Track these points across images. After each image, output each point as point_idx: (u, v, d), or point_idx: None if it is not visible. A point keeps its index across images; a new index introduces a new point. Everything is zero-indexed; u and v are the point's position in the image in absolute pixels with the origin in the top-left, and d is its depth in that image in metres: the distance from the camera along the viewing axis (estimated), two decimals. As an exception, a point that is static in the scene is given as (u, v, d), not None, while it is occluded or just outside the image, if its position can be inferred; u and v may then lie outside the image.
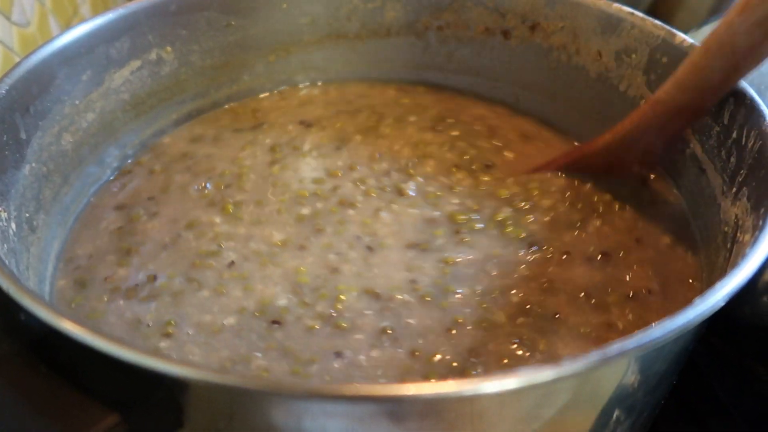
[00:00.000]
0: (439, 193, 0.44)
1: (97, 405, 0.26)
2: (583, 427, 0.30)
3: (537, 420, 0.28)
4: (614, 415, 0.31)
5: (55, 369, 0.27)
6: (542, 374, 0.24)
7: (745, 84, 0.38)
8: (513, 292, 0.37)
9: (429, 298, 0.37)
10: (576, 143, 0.48)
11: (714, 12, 0.64)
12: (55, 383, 0.26)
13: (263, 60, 0.51)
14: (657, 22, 0.44)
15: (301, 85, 0.53)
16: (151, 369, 0.24)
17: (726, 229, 0.36)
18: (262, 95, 0.52)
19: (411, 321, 0.36)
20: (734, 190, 0.37)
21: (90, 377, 0.26)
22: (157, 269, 0.39)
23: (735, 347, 0.41)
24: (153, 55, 0.47)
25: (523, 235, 0.41)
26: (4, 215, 0.36)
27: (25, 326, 0.27)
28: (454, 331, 0.35)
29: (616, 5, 0.46)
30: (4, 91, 0.37)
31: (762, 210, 0.33)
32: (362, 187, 0.44)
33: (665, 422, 0.44)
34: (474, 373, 0.33)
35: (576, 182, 0.45)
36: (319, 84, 0.53)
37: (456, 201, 0.43)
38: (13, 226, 0.36)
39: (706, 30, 0.52)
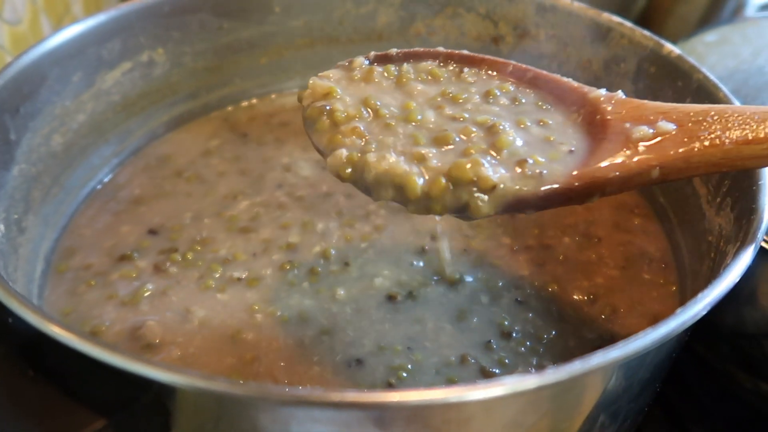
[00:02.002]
0: None
1: (84, 409, 0.26)
2: (567, 433, 0.31)
3: (522, 426, 0.28)
4: (599, 421, 0.31)
5: (43, 373, 0.27)
6: (526, 382, 0.25)
7: (729, 93, 0.38)
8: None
9: None
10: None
11: (704, 22, 0.64)
12: (42, 387, 0.26)
13: (255, 63, 0.51)
14: (646, 32, 0.44)
15: (292, 88, 0.53)
16: (139, 374, 0.24)
17: (710, 238, 0.37)
18: (253, 98, 0.52)
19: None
20: (718, 200, 0.37)
21: (77, 381, 0.26)
22: None
23: (717, 354, 0.42)
24: (144, 57, 0.47)
25: None
26: (-8, 216, 0.36)
27: (13, 329, 0.27)
28: None
29: (606, 15, 0.46)
30: (-6, 92, 0.37)
31: (744, 220, 0.33)
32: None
33: (649, 427, 0.44)
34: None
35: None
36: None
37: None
38: (2, 227, 0.36)
39: (695, 41, 0.52)
